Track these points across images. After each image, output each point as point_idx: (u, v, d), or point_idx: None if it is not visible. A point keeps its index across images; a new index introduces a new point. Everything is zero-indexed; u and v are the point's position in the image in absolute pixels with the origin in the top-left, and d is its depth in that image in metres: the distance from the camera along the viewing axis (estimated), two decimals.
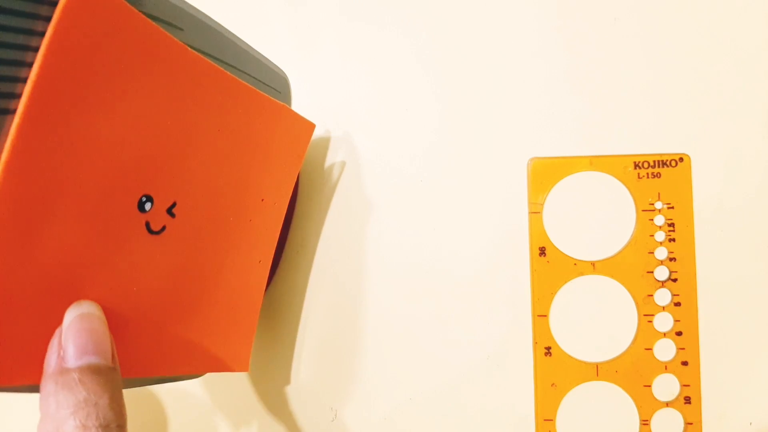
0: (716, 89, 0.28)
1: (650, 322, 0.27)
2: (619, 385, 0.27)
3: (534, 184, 0.28)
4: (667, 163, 0.27)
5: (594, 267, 0.27)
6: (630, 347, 0.27)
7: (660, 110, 0.28)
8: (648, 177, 0.27)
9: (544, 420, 0.27)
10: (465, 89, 0.30)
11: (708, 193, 0.27)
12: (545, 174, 0.28)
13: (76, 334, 0.17)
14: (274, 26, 0.32)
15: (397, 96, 0.30)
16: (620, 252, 0.27)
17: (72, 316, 0.17)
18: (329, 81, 0.31)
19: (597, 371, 0.27)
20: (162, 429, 0.31)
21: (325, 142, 0.31)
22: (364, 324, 0.29)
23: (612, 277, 0.27)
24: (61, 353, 0.17)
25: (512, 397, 0.28)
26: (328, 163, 0.31)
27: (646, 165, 0.27)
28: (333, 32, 0.31)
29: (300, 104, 0.30)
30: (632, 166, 0.27)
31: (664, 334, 0.27)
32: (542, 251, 0.27)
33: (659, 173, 0.27)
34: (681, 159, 0.27)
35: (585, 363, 0.27)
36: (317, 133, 0.30)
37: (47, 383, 0.16)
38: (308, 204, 0.31)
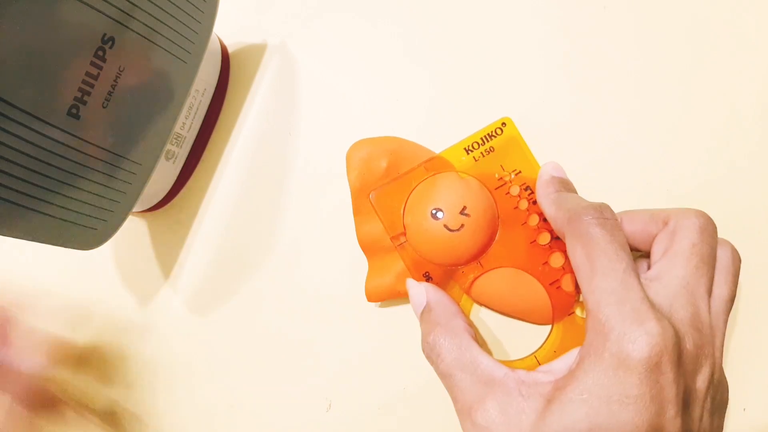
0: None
1: (559, 288, 0.26)
2: None
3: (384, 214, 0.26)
4: (493, 134, 0.27)
5: (482, 265, 0.26)
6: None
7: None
8: (483, 155, 0.26)
9: None
10: None
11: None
12: (388, 199, 0.26)
13: None
14: None
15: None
16: (498, 240, 0.26)
17: None
18: None
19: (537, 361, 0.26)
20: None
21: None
22: (359, 315, 0.29)
23: (503, 266, 0.26)
24: None
25: None
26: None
27: (476, 146, 0.27)
28: None
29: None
30: (464, 153, 0.27)
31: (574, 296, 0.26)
32: (427, 276, 0.26)
33: (492, 147, 0.27)
34: (504, 124, 0.27)
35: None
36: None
37: None
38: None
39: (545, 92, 0.29)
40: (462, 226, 0.25)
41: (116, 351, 0.33)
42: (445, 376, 0.22)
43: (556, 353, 0.26)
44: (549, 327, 0.27)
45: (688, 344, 0.19)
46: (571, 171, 0.27)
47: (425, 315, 0.24)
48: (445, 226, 0.25)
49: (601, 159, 0.29)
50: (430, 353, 0.22)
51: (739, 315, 0.29)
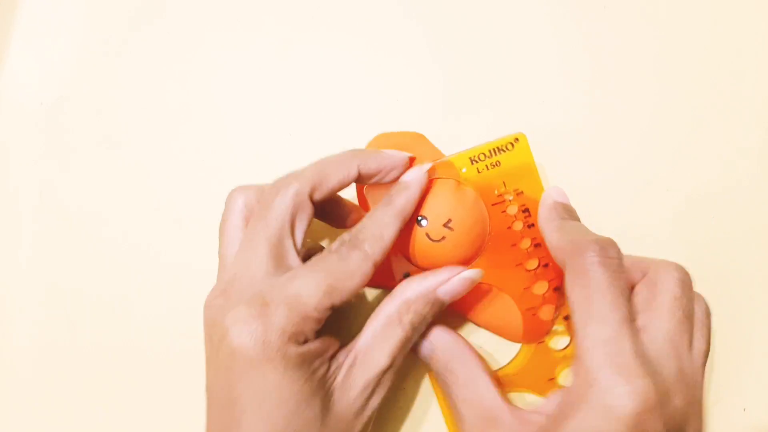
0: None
1: (535, 315, 0.26)
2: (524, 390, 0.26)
3: None
4: (503, 148, 0.25)
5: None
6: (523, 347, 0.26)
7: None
8: (488, 169, 0.25)
9: None
10: None
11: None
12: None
13: None
14: None
15: None
16: (484, 256, 0.25)
17: None
18: None
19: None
20: None
21: None
22: (359, 315, 0.29)
23: (484, 281, 0.25)
24: None
25: None
26: None
27: (482, 157, 0.25)
28: None
29: None
30: (469, 163, 0.25)
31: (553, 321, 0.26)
32: (407, 276, 0.26)
33: (498, 162, 0.25)
34: (516, 140, 0.25)
35: None
36: None
37: None
38: None
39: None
40: (443, 237, 0.25)
41: None
42: (453, 408, 0.23)
43: (517, 377, 0.26)
44: (518, 346, 0.27)
45: (677, 400, 0.19)
46: (575, 184, 0.26)
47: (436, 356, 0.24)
48: (427, 234, 0.25)
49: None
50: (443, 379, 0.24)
51: (740, 316, 0.28)
